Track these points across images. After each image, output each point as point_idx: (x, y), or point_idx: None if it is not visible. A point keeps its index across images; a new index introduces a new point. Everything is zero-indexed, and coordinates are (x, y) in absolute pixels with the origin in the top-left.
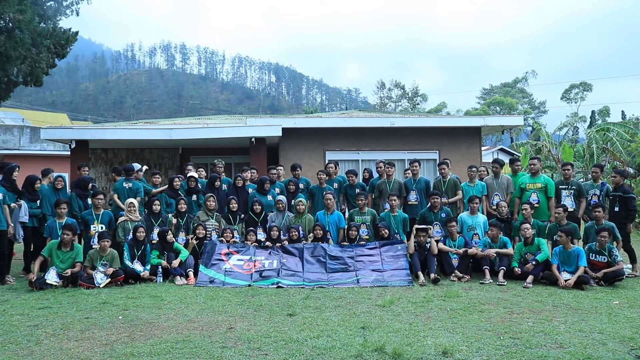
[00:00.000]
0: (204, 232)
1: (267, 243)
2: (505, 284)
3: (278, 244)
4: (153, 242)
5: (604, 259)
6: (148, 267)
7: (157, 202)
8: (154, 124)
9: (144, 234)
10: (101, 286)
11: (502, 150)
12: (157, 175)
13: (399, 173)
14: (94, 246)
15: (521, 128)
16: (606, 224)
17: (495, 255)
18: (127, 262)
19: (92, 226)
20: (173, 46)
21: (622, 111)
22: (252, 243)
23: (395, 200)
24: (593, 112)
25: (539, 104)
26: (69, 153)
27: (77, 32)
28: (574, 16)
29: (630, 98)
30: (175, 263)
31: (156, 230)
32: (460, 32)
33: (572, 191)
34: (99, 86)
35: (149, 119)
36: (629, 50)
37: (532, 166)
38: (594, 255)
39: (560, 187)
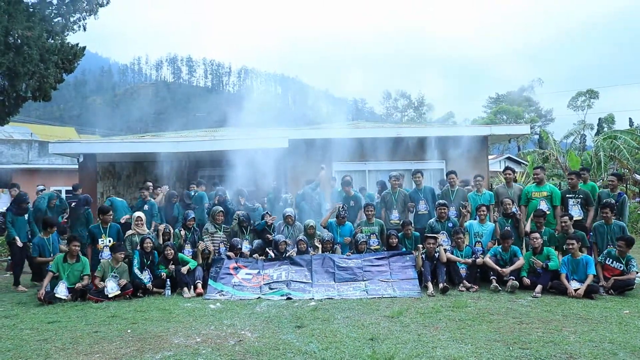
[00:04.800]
0: (210, 249)
1: (271, 253)
2: (515, 290)
3: (287, 255)
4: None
5: (621, 266)
6: (162, 274)
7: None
8: (161, 137)
9: (151, 244)
10: (110, 296)
11: (509, 158)
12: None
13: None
14: (102, 260)
15: (528, 136)
16: (616, 223)
17: (508, 273)
18: (137, 272)
19: (99, 240)
20: (179, 59)
21: (630, 118)
22: (260, 257)
23: (410, 229)
24: (600, 119)
25: (546, 112)
26: (77, 167)
27: (84, 47)
28: (579, 24)
29: (638, 105)
30: (184, 269)
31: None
32: (466, 41)
33: (579, 200)
34: (106, 99)
35: (156, 131)
36: (636, 57)
37: (536, 176)
38: (611, 260)
39: (567, 195)
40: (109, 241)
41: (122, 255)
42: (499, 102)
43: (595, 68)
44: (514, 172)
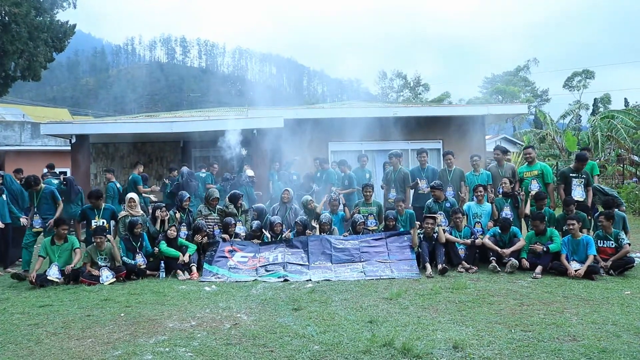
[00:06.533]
0: (203, 235)
1: (267, 234)
2: (515, 269)
3: (283, 237)
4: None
5: (612, 244)
6: (155, 250)
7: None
8: (155, 118)
9: (140, 229)
10: (105, 284)
11: (505, 139)
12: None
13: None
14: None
15: (524, 117)
16: (617, 214)
17: (509, 254)
18: (125, 259)
19: (93, 221)
20: (173, 39)
21: (625, 98)
22: (256, 241)
23: (402, 205)
24: (595, 99)
25: (542, 92)
26: (70, 148)
27: (74, 25)
28: (575, 2)
29: (633, 85)
30: (185, 258)
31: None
32: (461, 21)
33: (583, 180)
34: (99, 81)
35: (150, 112)
36: (631, 37)
37: (527, 155)
38: (601, 241)
39: (570, 175)
40: (102, 222)
41: (101, 239)
42: (494, 82)
43: (590, 48)
44: (504, 152)
